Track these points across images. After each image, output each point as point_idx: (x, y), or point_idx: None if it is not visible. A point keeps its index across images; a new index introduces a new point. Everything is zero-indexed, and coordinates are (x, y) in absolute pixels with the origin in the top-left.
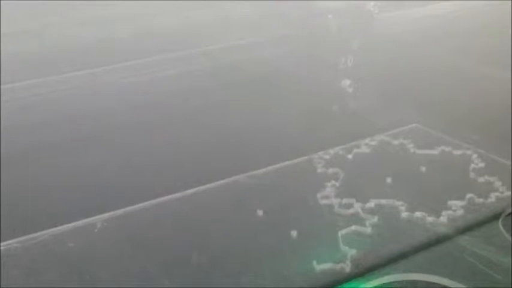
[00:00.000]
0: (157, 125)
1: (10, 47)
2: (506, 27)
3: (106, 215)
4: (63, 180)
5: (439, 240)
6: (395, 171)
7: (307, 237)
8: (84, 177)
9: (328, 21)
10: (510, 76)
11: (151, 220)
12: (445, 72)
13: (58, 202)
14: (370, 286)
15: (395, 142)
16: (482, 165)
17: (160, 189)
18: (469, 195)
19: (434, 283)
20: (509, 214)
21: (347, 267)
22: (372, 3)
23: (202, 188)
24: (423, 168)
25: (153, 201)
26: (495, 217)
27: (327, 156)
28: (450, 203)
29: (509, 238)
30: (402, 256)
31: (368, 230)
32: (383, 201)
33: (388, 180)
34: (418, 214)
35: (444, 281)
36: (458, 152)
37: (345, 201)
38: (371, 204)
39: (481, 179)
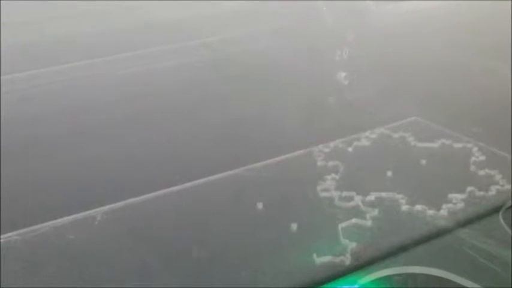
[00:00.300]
0: (158, 117)
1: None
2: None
3: (106, 208)
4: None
5: (440, 233)
6: (395, 164)
7: (307, 230)
8: (84, 170)
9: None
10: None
11: (151, 213)
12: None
13: (57, 196)
14: (370, 279)
15: (396, 135)
16: (482, 158)
17: (163, 181)
18: (469, 188)
19: (434, 276)
20: (509, 207)
21: (347, 260)
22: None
23: (202, 180)
24: (423, 161)
25: (153, 194)
26: (495, 210)
27: (327, 149)
28: (450, 196)
29: (510, 231)
30: (402, 249)
31: (368, 223)
32: (383, 194)
33: (389, 173)
34: (418, 207)
35: (444, 274)
36: (458, 145)
37: (345, 194)
38: (371, 197)
39: (481, 172)
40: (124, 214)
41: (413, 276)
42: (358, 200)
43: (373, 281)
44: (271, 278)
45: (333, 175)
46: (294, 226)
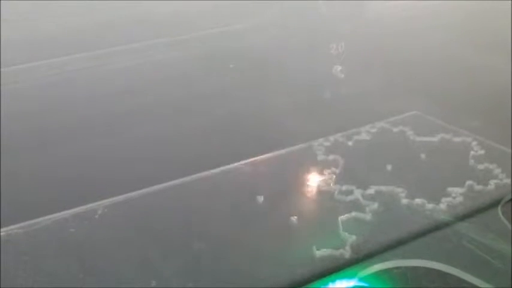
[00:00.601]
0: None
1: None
2: None
3: (107, 201)
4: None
5: (439, 226)
6: (395, 158)
7: (307, 223)
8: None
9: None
10: None
11: (151, 206)
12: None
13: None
14: (370, 272)
15: (395, 129)
16: (482, 152)
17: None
18: (468, 182)
19: (433, 269)
20: (508, 201)
21: (347, 253)
22: None
23: (202, 174)
24: (423, 156)
25: (154, 188)
26: (494, 204)
27: (327, 143)
28: (450, 189)
29: (509, 225)
30: (402, 242)
31: (368, 216)
32: (383, 188)
33: (388, 167)
34: (417, 201)
35: (443, 267)
36: (458, 139)
37: (345, 187)
38: (371, 190)
39: (480, 166)
40: (125, 208)
41: (413, 269)
42: (357, 193)
43: (372, 274)
44: (271, 271)
45: (333, 169)
46: (294, 219)
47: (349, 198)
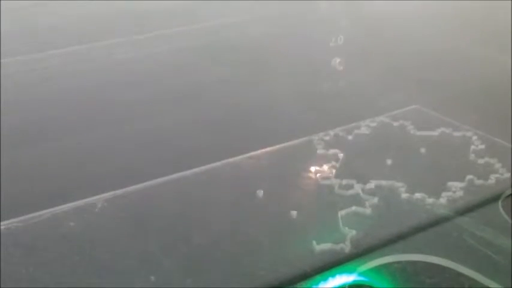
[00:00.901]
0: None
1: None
2: None
3: (106, 195)
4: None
5: (439, 221)
6: (395, 153)
7: (307, 217)
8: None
9: None
10: None
11: (151, 200)
12: None
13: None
14: (370, 266)
15: (396, 123)
16: (482, 146)
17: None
18: (468, 177)
19: (433, 264)
20: (508, 196)
21: (347, 247)
22: None
23: (202, 168)
24: (423, 150)
25: (153, 182)
26: (495, 199)
27: (327, 137)
28: (450, 184)
29: (509, 219)
30: (402, 237)
31: (368, 210)
32: (383, 182)
33: (388, 161)
34: (418, 195)
35: (443, 262)
36: (458, 134)
37: (345, 182)
38: (371, 185)
39: (481, 161)
40: (124, 201)
41: (413, 263)
42: (358, 188)
43: (372, 269)
44: (271, 265)
45: (333, 163)
46: (294, 213)
47: (349, 192)
